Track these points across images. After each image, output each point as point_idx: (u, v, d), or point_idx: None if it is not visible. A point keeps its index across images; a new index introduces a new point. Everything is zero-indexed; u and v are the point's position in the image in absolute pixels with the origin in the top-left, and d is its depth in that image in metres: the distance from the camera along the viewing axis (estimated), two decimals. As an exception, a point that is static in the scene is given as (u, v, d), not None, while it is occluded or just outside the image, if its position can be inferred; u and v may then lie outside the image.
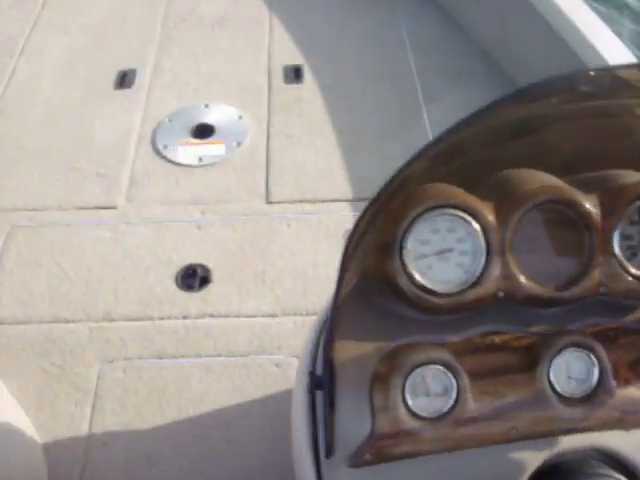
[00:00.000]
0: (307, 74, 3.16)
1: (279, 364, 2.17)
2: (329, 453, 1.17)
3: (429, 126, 2.91)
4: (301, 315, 2.28)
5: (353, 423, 1.16)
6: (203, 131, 2.89)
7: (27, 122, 2.97)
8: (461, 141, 1.17)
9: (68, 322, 2.28)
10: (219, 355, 2.19)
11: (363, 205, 2.49)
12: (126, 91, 3.09)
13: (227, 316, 2.29)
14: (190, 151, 2.78)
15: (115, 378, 2.15)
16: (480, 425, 1.14)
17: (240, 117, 2.93)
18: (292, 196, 2.63)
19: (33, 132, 2.92)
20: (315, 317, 2.25)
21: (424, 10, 3.59)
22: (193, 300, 2.32)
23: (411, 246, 1.17)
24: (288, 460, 1.97)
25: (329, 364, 1.18)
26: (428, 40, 3.38)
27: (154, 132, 2.88)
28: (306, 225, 2.53)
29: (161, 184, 2.68)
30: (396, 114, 2.98)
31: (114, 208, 2.60)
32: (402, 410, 1.14)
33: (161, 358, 2.19)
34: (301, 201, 2.61)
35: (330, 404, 1.17)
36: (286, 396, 2.09)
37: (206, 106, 2.99)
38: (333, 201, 2.62)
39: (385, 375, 1.18)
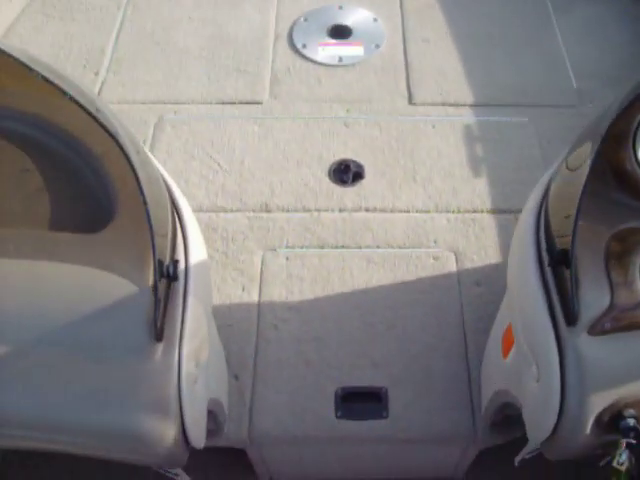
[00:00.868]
0: None
1: (437, 257, 2.23)
2: (573, 322, 1.24)
3: (560, 38, 2.90)
4: (453, 212, 2.34)
5: (591, 295, 1.23)
6: (340, 32, 2.90)
7: (160, 18, 2.99)
8: None
9: (226, 211, 2.34)
10: (378, 247, 2.26)
11: (504, 110, 2.53)
12: None
13: (382, 211, 2.34)
14: (329, 51, 2.80)
15: (279, 264, 2.22)
16: None
17: (375, 19, 2.93)
18: (434, 98, 2.65)
19: (168, 27, 2.94)
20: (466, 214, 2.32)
21: None
22: (347, 194, 2.38)
23: None
24: (451, 344, 2.06)
25: (573, 241, 1.24)
26: None
27: (290, 31, 2.90)
28: (450, 127, 2.56)
29: (304, 82, 2.71)
30: (527, 24, 2.97)
31: (259, 103, 2.64)
32: (639, 285, 1.21)
33: (322, 247, 2.26)
34: (443, 104, 2.64)
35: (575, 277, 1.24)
36: (446, 287, 2.17)
37: (340, 7, 2.99)
38: (474, 105, 2.64)
39: (620, 254, 1.25)
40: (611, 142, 1.26)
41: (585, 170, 1.19)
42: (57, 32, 2.95)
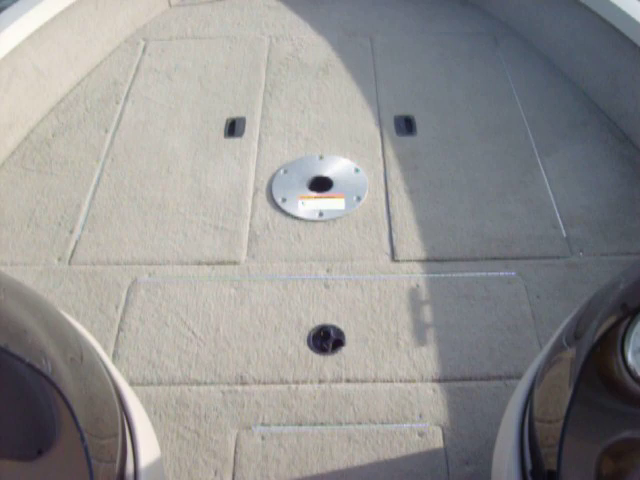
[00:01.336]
0: (419, 125, 3.11)
1: (422, 433, 2.09)
2: None
3: (547, 182, 2.84)
4: (439, 381, 2.21)
5: None
6: (321, 184, 2.84)
7: (139, 171, 2.94)
8: None
9: (200, 384, 2.22)
10: (360, 423, 2.12)
11: (490, 264, 2.44)
12: (237, 140, 3.06)
13: (364, 381, 2.21)
14: (310, 205, 2.73)
15: (254, 445, 2.07)
16: None
17: (357, 170, 2.88)
18: (418, 254, 2.56)
19: (146, 181, 2.89)
20: (453, 383, 2.19)
21: (529, 60, 3.55)
22: (327, 363, 2.26)
23: (632, 340, 1.16)
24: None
25: (559, 466, 1.12)
26: (536, 91, 3.33)
27: (270, 184, 2.84)
28: (435, 285, 2.46)
29: (283, 239, 2.63)
30: (513, 169, 2.91)
31: (236, 264, 2.55)
32: None
33: (300, 425, 2.12)
34: (427, 260, 2.54)
35: None
36: (433, 466, 2.02)
37: (321, 157, 2.95)
38: (460, 260, 2.55)
39: (612, 476, 1.14)
40: (598, 348, 1.16)
41: (571, 381, 1.10)
42: (34, 187, 2.90)
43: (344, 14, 3.92)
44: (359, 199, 2.75)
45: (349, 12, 3.94)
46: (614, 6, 3.05)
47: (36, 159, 3.05)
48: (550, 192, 2.79)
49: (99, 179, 2.92)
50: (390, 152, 2.98)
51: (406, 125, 3.11)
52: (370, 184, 2.83)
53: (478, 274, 2.49)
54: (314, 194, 2.79)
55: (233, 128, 3.12)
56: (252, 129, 3.11)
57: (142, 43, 3.74)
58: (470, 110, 3.20)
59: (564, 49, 3.49)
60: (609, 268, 2.51)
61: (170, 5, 4.11)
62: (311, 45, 3.65)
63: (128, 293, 2.47)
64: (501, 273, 2.49)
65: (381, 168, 2.90)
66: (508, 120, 3.15)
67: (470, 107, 3.22)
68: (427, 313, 2.38)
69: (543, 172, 2.88)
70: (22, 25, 3.18)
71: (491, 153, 2.97)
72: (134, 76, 3.48)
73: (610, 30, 3.11)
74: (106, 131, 3.15)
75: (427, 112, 3.19)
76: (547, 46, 3.59)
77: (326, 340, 2.31)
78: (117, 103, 3.31)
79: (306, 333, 2.33)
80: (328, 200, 2.76)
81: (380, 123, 3.13)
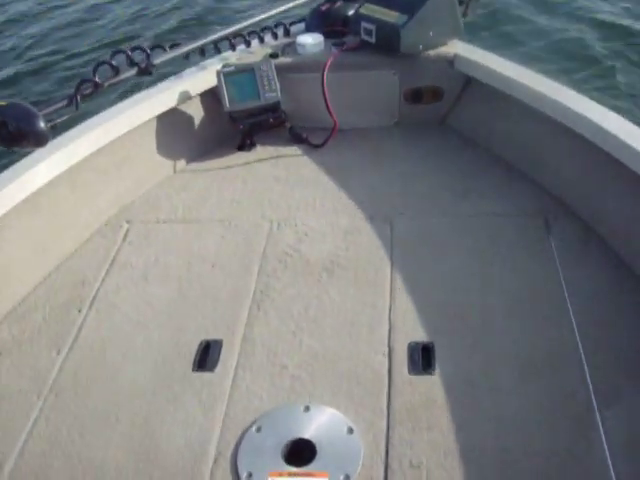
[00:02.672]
0: (439, 356, 2.42)
1: None
2: None
3: (607, 446, 2.10)
4: None
5: None
6: (300, 452, 2.17)
7: (82, 416, 2.36)
8: None
9: None
10: None
11: None
12: (206, 376, 2.44)
13: None
14: (280, 486, 2.07)
15: None
16: None
17: (350, 430, 2.21)
18: None
19: (87, 434, 2.29)
20: None
21: (587, 251, 2.82)
22: None
23: None
24: None
25: None
26: (598, 302, 2.58)
27: (237, 448, 2.19)
28: None
29: None
30: (560, 431, 2.17)
31: None
32: None
33: None
34: None
35: None
36: None
37: (306, 409, 2.29)
38: None
39: None
40: None
41: None
42: None
43: (366, 188, 3.30)
44: (348, 478, 2.08)
45: (371, 186, 3.32)
46: None
47: None
48: (612, 470, 2.05)
49: (34, 424, 2.34)
50: (398, 400, 2.30)
51: (423, 357, 2.43)
52: (365, 452, 2.15)
53: None
54: (289, 469, 2.12)
55: (205, 356, 2.51)
56: (228, 358, 2.49)
57: (125, 226, 3.22)
58: (507, 331, 2.50)
59: (629, 235, 2.79)
60: None
61: (175, 171, 3.61)
62: (318, 234, 3.04)
63: None
64: None
65: (383, 426, 2.22)
66: (558, 348, 2.43)
67: (508, 327, 2.52)
68: None
69: (602, 435, 2.14)
70: None
71: (530, 406, 2.25)
72: (107, 272, 2.94)
73: None
74: (58, 352, 2.59)
75: (452, 335, 2.50)
76: (609, 232, 2.88)
77: None
78: (79, 311, 2.76)
79: None
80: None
81: (390, 352, 2.46)
